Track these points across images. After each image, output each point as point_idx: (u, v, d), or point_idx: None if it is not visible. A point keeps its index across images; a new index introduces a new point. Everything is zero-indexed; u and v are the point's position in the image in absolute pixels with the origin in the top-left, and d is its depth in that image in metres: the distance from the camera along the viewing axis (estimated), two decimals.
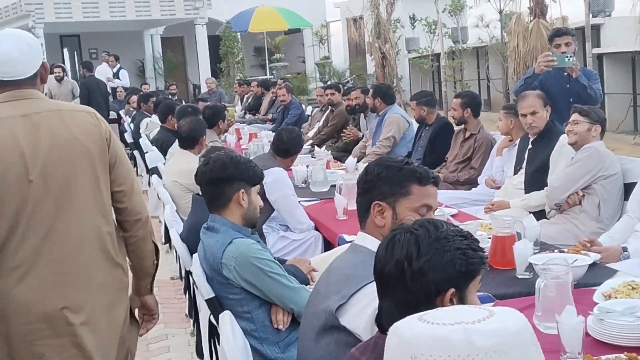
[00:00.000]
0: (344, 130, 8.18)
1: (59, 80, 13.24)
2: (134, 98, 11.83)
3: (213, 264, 2.82)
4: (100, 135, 2.48)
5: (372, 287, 1.95)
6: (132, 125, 10.69)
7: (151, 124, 9.09)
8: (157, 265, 2.70)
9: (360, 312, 2.02)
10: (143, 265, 2.65)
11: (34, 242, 2.34)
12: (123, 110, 13.21)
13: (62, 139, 2.40)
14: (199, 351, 3.47)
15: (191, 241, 3.40)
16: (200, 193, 3.73)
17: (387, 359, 1.29)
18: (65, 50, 22.07)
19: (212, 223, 2.95)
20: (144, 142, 8.29)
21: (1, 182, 2.31)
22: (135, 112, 11.28)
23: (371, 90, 7.71)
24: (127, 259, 2.61)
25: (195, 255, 3.00)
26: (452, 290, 1.62)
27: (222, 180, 2.96)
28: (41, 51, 2.54)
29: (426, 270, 1.61)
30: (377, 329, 1.77)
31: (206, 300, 2.83)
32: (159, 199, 6.79)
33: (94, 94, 12.46)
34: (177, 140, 5.65)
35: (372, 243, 2.20)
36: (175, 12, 19.49)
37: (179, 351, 4.53)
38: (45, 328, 2.35)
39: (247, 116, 12.72)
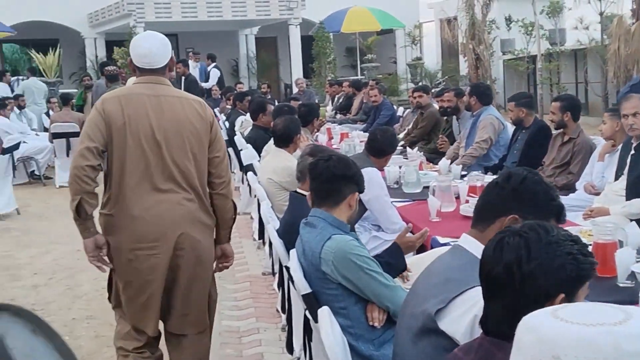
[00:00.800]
0: (439, 143, 8.08)
1: None
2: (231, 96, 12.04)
3: (312, 258, 2.87)
4: (206, 119, 3.36)
5: (473, 293, 1.94)
6: (227, 124, 10.90)
7: (246, 122, 9.27)
8: (234, 219, 3.50)
9: (460, 317, 2.01)
10: (224, 217, 3.45)
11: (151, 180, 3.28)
12: (218, 108, 13.45)
13: (178, 117, 3.29)
14: (289, 346, 3.53)
15: (287, 238, 3.46)
16: (297, 191, 3.81)
17: (521, 357, 1.28)
18: None
19: (312, 218, 2.99)
20: (238, 139, 8.47)
21: (138, 139, 3.22)
22: (230, 110, 11.51)
23: (468, 88, 7.64)
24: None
25: (292, 251, 3.05)
26: (562, 295, 1.59)
27: (344, 179, 3.01)
28: (171, 49, 3.39)
29: (537, 274, 1.60)
30: (476, 335, 1.76)
31: (302, 296, 2.87)
32: (251, 195, 6.97)
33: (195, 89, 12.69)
34: (271, 139, 5.74)
35: (476, 248, 2.17)
36: (270, 12, 19.77)
37: (271, 345, 4.61)
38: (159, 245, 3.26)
39: (338, 116, 12.80)
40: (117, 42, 18.18)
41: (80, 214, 3.21)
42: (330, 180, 3.00)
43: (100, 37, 20.83)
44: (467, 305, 2.00)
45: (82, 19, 20.79)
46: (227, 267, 3.61)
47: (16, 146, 9.78)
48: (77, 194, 3.16)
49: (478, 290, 1.77)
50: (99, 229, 3.35)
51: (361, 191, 3.12)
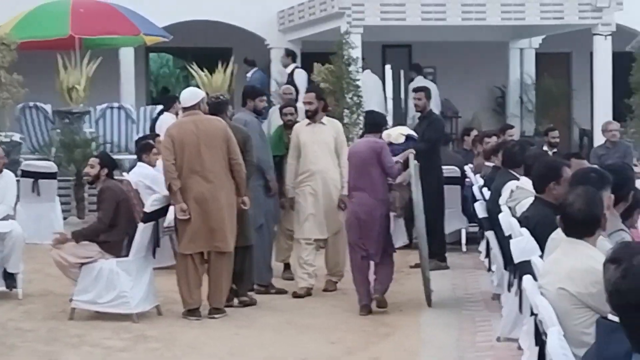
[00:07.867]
0: None
1: None
2: None
3: None
4: (225, 131, 6.95)
5: None
6: (484, 191, 8.28)
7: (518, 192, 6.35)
8: (245, 185, 7.11)
9: None
10: (239, 184, 7.08)
11: (199, 168, 7.03)
12: (471, 165, 10.64)
13: (209, 130, 6.98)
14: None
15: None
16: (606, 317, 2.91)
17: None
18: None
19: None
20: (505, 219, 6.06)
21: (189, 145, 6.95)
22: (498, 170, 8.48)
23: None
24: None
25: None
26: None
27: None
28: (200, 94, 7.34)
29: None
30: None
31: None
32: (521, 312, 5.33)
33: None
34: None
35: None
36: (563, 14, 14.05)
37: None
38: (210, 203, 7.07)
39: None
40: (317, 54, 13.86)
41: (171, 190, 6.88)
42: (633, 309, 2.39)
43: (294, 47, 15.66)
44: None
45: (268, 20, 15.67)
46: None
47: (163, 210, 7.44)
48: (168, 180, 6.86)
49: None
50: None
51: None
